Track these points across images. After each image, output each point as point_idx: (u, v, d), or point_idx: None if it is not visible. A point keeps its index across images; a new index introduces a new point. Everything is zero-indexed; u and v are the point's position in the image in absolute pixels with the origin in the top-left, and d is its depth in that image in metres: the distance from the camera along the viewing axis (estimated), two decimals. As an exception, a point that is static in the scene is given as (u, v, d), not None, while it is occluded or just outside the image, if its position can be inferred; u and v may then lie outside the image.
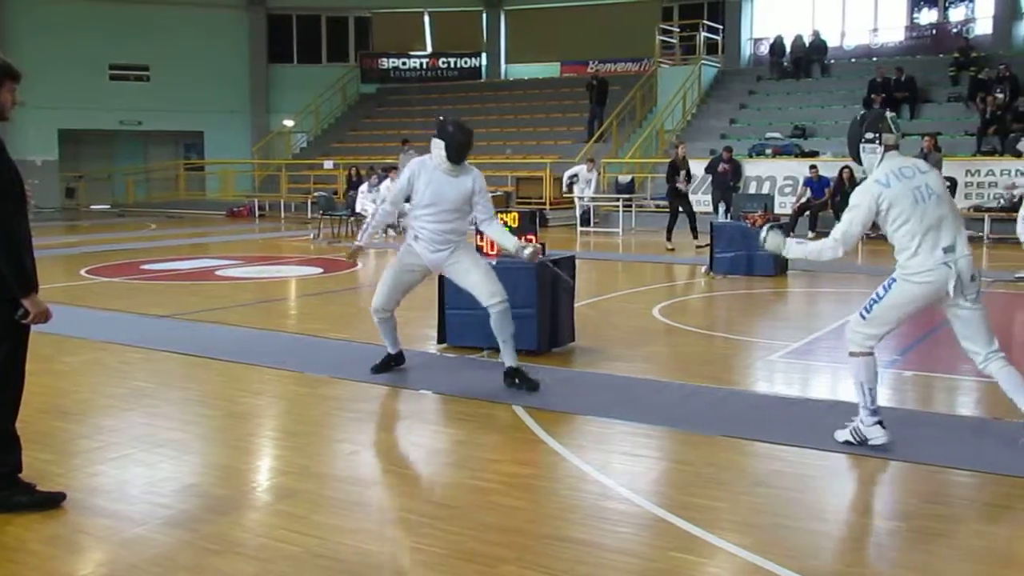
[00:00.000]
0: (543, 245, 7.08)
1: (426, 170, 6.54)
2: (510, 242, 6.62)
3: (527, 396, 6.26)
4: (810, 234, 18.10)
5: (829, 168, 19.03)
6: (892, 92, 22.57)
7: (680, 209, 16.63)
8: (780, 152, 21.24)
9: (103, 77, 30.99)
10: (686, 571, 3.64)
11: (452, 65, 33.31)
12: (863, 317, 5.11)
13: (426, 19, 33.90)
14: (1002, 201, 17.58)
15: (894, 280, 5.04)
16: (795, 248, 5.47)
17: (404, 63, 33.51)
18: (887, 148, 5.05)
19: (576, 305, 8.29)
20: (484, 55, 33.18)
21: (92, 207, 30.37)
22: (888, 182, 4.96)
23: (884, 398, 6.47)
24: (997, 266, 14.02)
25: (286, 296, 11.82)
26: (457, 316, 7.76)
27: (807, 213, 18.52)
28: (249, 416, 6.07)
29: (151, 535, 4.02)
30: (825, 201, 18.49)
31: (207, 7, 31.67)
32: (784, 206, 18.55)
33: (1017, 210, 17.32)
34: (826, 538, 3.98)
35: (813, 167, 19.03)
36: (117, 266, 14.26)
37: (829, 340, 8.54)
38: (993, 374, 5.11)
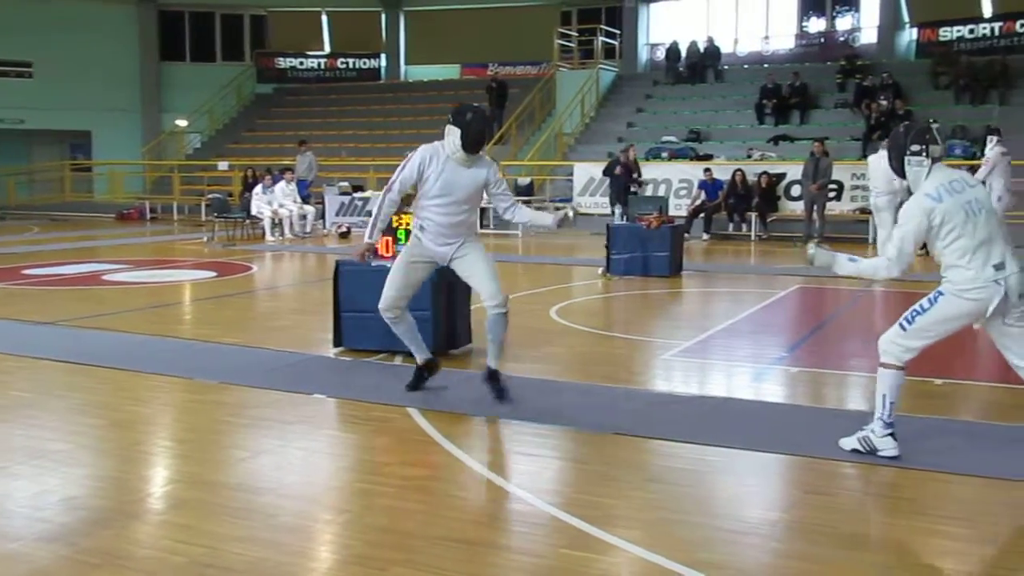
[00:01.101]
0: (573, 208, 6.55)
1: (438, 159, 6.07)
2: (548, 219, 6.19)
3: (428, 399, 6.21)
4: (705, 236, 18.52)
5: (722, 171, 19.46)
6: (783, 98, 23.22)
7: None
8: (675, 155, 21.62)
9: (-19, 73, 29.79)
10: (578, 568, 3.65)
11: (351, 66, 32.98)
12: (903, 328, 4.94)
13: (324, 19, 33.50)
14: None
15: (941, 293, 4.87)
16: (848, 266, 5.18)
17: (301, 63, 33.04)
18: (934, 160, 4.90)
19: (474, 307, 8.28)
20: (383, 56, 32.95)
21: (-30, 209, 29.14)
22: (940, 196, 4.78)
23: (772, 393, 6.67)
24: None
25: (177, 301, 11.53)
26: (353, 319, 7.67)
27: (702, 215, 18.91)
28: (135, 424, 5.88)
29: (26, 550, 3.85)
30: (719, 203, 18.90)
31: (95, 2, 30.68)
32: (679, 208, 18.88)
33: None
34: (715, 531, 4.05)
35: (707, 170, 19.44)
36: (-2, 271, 13.70)
37: (722, 338, 8.73)
38: None
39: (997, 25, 24.02)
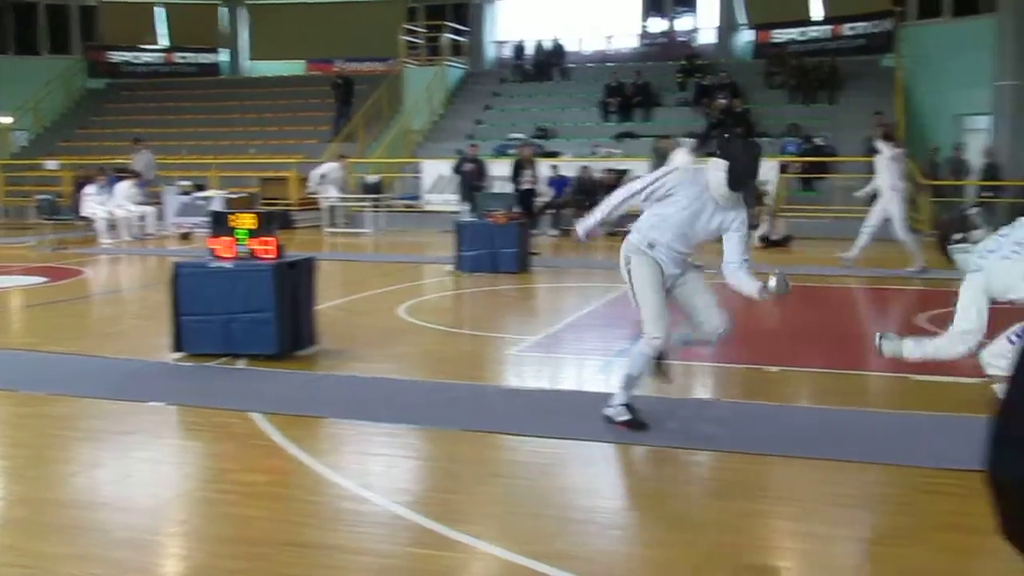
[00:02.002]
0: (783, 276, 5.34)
1: (696, 187, 5.18)
2: (754, 287, 5.29)
3: (271, 402, 6.07)
4: (552, 232, 18.78)
5: (569, 168, 19.79)
6: (627, 96, 23.79)
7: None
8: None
9: None
10: (425, 566, 3.65)
11: (190, 60, 31.90)
12: (1012, 343, 4.91)
13: (159, 11, 32.28)
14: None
15: None
16: (914, 349, 5.10)
17: (136, 57, 31.73)
18: (975, 243, 4.92)
19: (320, 307, 8.16)
20: (225, 51, 32.02)
21: None
22: (982, 263, 4.75)
23: (616, 386, 6.80)
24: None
25: (2, 308, 10.90)
26: (192, 322, 7.42)
27: (549, 211, 19.17)
28: (-46, 439, 5.54)
29: None
30: (567, 199, 19.20)
31: (-93, -9, 28.70)
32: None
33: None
34: (558, 522, 4.11)
35: (554, 167, 19.72)
36: None
37: (570, 332, 8.88)
38: None
39: (827, 28, 25.25)
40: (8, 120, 29.39)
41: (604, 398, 6.23)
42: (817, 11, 26.07)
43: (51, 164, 24.73)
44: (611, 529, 4.06)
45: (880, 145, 12.75)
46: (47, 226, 18.31)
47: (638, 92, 23.88)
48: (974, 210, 5.15)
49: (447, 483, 4.60)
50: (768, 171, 19.16)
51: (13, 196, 24.66)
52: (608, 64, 27.57)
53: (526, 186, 16.33)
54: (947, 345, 4.87)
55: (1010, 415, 1.27)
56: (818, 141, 20.26)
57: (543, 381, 7.05)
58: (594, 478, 4.78)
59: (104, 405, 6.17)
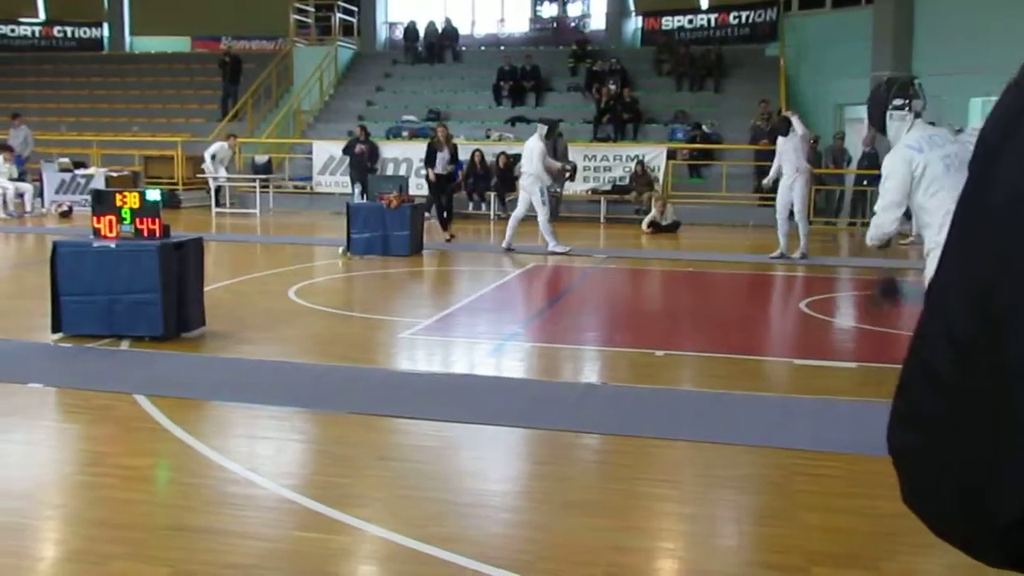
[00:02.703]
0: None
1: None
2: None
3: (156, 384, 5.94)
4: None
5: (462, 151, 19.75)
6: (519, 80, 23.88)
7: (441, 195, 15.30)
8: (416, 135, 21.74)
9: None
10: (312, 549, 3.63)
11: (69, 35, 30.65)
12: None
13: (38, -18, 30.94)
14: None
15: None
16: (870, 236, 5.10)
17: (13, 30, 30.34)
18: (916, 115, 4.94)
19: (209, 288, 8.01)
20: (106, 25, 30.90)
21: None
22: (920, 147, 4.83)
23: (508, 368, 6.89)
24: (613, 244, 15.37)
25: None
26: (73, 302, 7.19)
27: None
28: None
29: None
30: (459, 183, 19.20)
31: None
32: (421, 187, 19.01)
33: (626, 192, 19.04)
34: (447, 505, 4.14)
35: (447, 150, 19.67)
36: None
37: (461, 316, 8.92)
38: None
39: (713, 17, 25.76)
40: None
41: (495, 382, 6.31)
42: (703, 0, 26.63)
43: (-81, 138, 23.49)
44: (500, 512, 4.11)
45: (796, 123, 12.71)
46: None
47: (530, 76, 23.99)
48: (918, 80, 5.16)
49: (336, 467, 4.58)
50: (657, 157, 19.59)
51: None
52: (500, 48, 27.61)
53: (441, 170, 15.65)
54: (878, 222, 4.96)
55: (900, 387, 1.39)
56: (705, 128, 20.72)
57: (434, 365, 7.07)
58: (484, 461, 4.83)
59: (-25, 388, 5.95)
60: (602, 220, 18.88)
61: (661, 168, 19.49)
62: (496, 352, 7.33)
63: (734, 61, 23.64)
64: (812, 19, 23.51)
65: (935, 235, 4.74)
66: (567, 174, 15.22)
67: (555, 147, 18.35)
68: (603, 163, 20.02)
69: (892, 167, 4.87)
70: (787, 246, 12.86)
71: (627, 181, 19.34)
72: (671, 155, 19.97)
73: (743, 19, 25.00)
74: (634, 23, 27.35)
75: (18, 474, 4.53)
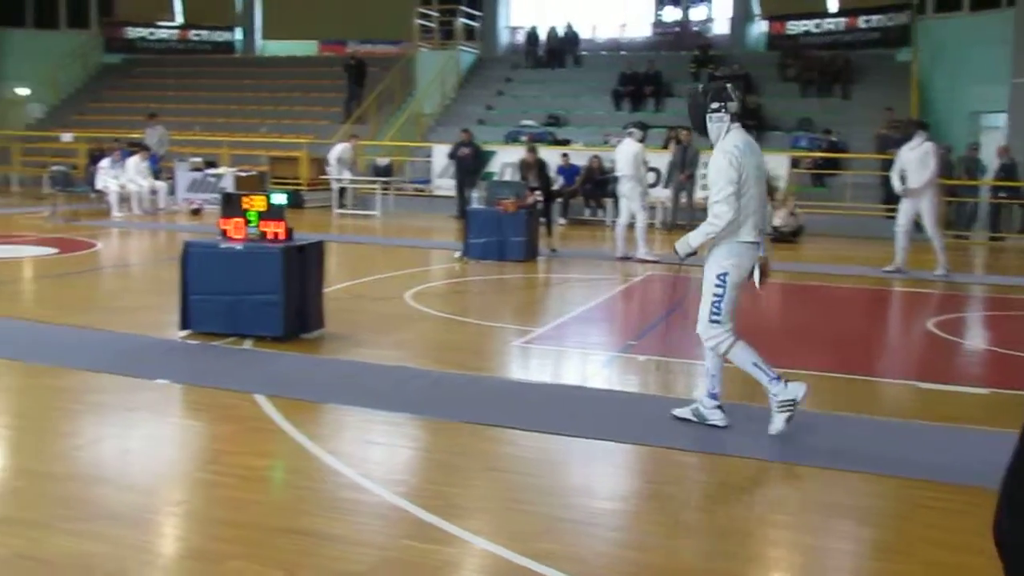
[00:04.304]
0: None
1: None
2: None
3: (275, 385, 6.10)
4: (561, 220, 18.76)
5: (580, 156, 19.75)
6: (639, 85, 23.72)
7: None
8: (534, 139, 21.81)
9: None
10: (418, 559, 3.67)
11: (204, 38, 31.88)
12: (715, 322, 5.34)
13: (176, -13, 32.26)
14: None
15: (726, 272, 5.26)
16: (697, 236, 5.36)
17: (152, 33, 31.74)
18: (733, 117, 5.24)
19: (327, 290, 8.19)
20: (239, 29, 31.98)
21: None
22: (743, 149, 5.16)
23: (621, 382, 6.83)
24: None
25: (13, 279, 10.95)
26: (200, 302, 7.46)
27: (559, 200, 19.13)
28: (-40, 412, 5.59)
29: None
30: (575, 188, 19.18)
31: (-75, -41, 28.72)
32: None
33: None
34: (555, 520, 4.12)
35: (565, 155, 19.69)
36: None
37: (574, 325, 8.89)
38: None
39: (842, 21, 25.08)
40: (26, 92, 29.49)
41: (607, 395, 6.26)
42: (832, 3, 25.93)
43: (66, 136, 24.77)
44: (607, 530, 4.07)
45: (924, 136, 12.13)
46: (60, 197, 18.38)
47: (650, 82, 23.80)
48: (730, 84, 5.41)
49: (446, 475, 4.62)
50: (778, 166, 19.16)
51: (29, 167, 24.74)
52: (621, 52, 27.48)
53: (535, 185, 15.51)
54: (715, 219, 5.19)
55: (1014, 472, 1.27)
56: (832, 136, 20.17)
57: (546, 375, 7.07)
58: (593, 477, 4.79)
59: (110, 379, 6.22)
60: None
61: (783, 177, 19.04)
62: (609, 364, 7.28)
63: (863, 66, 22.98)
64: (948, 22, 22.65)
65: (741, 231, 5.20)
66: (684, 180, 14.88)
67: (684, 154, 18.13)
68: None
69: (719, 165, 5.17)
70: (904, 261, 12.40)
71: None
72: (794, 163, 19.52)
73: (873, 22, 24.29)
74: (758, 27, 26.86)
75: (143, 469, 4.71)
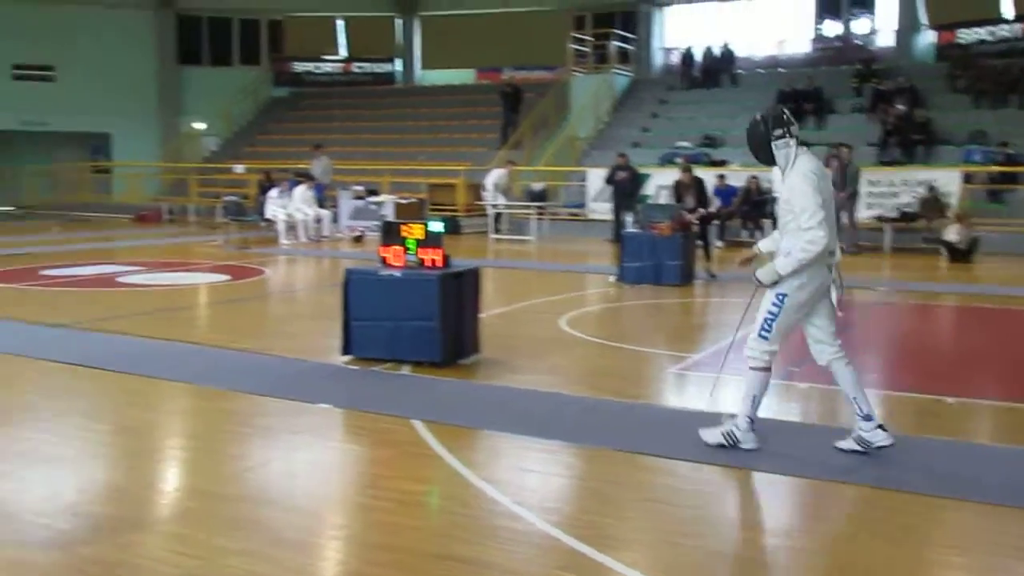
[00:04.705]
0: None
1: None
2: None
3: (432, 410, 6.19)
4: (718, 243, 18.43)
5: (737, 177, 19.39)
6: (800, 102, 23.11)
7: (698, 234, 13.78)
8: (690, 161, 21.54)
9: (5, 77, 30.01)
10: (574, 589, 3.64)
11: (366, 70, 33.08)
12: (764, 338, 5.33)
13: (339, 24, 33.60)
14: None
15: (784, 294, 5.23)
16: (784, 263, 5.22)
17: (317, 67, 33.18)
18: (798, 141, 5.22)
19: (483, 315, 8.27)
20: (398, 61, 33.01)
21: (-8, 209, 29.40)
22: (818, 172, 5.16)
23: (781, 411, 6.61)
24: (898, 275, 14.48)
25: (189, 305, 11.57)
26: (361, 327, 7.67)
27: (715, 222, 18.82)
28: (139, 431, 5.91)
29: (28, 557, 3.88)
30: (732, 210, 18.82)
31: (115, 7, 30.91)
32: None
33: (913, 219, 17.89)
34: (713, 555, 4.01)
35: (721, 176, 19.37)
36: (15, 271, 13.79)
37: (734, 351, 8.65)
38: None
39: (1018, 27, 23.80)
40: (202, 126, 31.31)
41: (769, 425, 6.06)
42: (1008, 9, 24.63)
43: (238, 168, 26.13)
44: (767, 567, 3.93)
45: None
46: (233, 226, 19.35)
47: (811, 98, 23.16)
48: (781, 107, 5.39)
49: (601, 506, 4.56)
50: (949, 182, 18.27)
51: (204, 197, 26.17)
52: (780, 70, 26.91)
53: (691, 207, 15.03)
54: (809, 245, 5.05)
55: None
56: (1009, 149, 19.11)
57: (703, 402, 6.91)
58: (754, 510, 4.65)
59: (276, 403, 6.45)
60: (886, 250, 17.85)
61: (955, 193, 18.17)
62: (769, 392, 7.04)
63: (1042, 76, 21.70)
64: None
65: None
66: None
67: (844, 171, 17.55)
68: (889, 188, 18.95)
69: (802, 190, 5.10)
70: None
71: (915, 208, 18.18)
72: (967, 178, 18.58)
73: (1054, 29, 22.97)
74: (926, 37, 25.78)
75: (306, 492, 4.85)
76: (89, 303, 11.12)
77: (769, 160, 5.29)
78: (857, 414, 5.27)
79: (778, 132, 5.19)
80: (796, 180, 5.14)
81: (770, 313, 5.27)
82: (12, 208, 29.50)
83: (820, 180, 5.14)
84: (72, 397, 6.69)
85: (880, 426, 5.23)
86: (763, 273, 5.29)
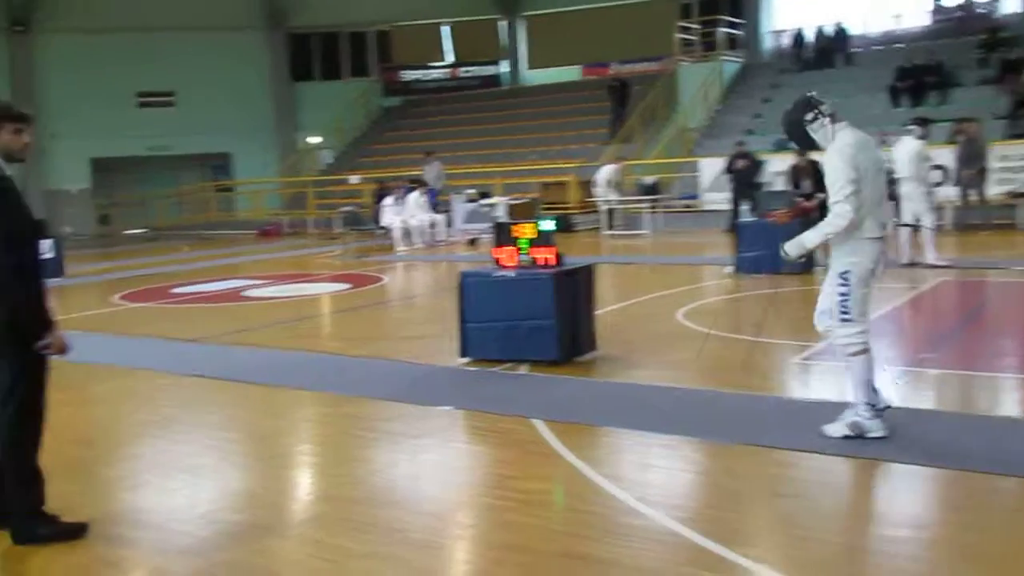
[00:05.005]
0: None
1: None
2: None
3: (552, 409, 6.20)
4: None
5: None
6: (920, 78, 22.28)
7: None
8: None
9: (131, 105, 31.41)
10: (701, 586, 3.59)
11: (473, 74, 33.37)
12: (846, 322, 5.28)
13: (445, 30, 34.00)
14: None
15: (848, 271, 5.23)
16: (811, 236, 5.36)
17: (425, 75, 33.65)
18: (833, 119, 5.23)
19: (599, 312, 8.25)
20: (504, 62, 33.19)
21: (126, 232, 30.75)
22: (857, 146, 5.15)
23: (915, 399, 6.39)
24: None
25: (312, 314, 11.89)
26: (477, 329, 7.74)
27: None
28: (269, 439, 6.10)
29: (169, 564, 4.05)
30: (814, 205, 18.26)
31: (229, 31, 31.98)
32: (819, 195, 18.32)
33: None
34: (845, 549, 3.90)
35: (838, 159, 18.79)
36: (148, 291, 14.41)
37: (856, 337, 8.41)
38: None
39: None
40: (317, 140, 32.16)
41: (901, 414, 5.87)
42: None
43: (353, 178, 26.73)
44: (902, 560, 3.80)
45: None
46: (351, 235, 19.80)
47: (932, 73, 22.28)
48: (812, 93, 5.40)
49: (726, 501, 4.50)
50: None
51: (322, 209, 26.85)
52: (897, 45, 26.00)
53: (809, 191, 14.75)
54: (836, 219, 5.09)
55: None
56: None
57: (830, 393, 6.73)
58: (887, 502, 4.49)
59: (399, 407, 6.57)
60: (1021, 226, 17.04)
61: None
62: (902, 379, 6.83)
63: None
64: None
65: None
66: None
67: (971, 148, 16.82)
68: (1021, 163, 18.08)
69: (836, 164, 5.11)
70: None
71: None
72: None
73: None
74: (1055, 3, 24.54)
75: (431, 494, 4.93)
76: (218, 317, 11.54)
77: (810, 145, 5.34)
78: (865, 400, 5.23)
79: (809, 116, 5.23)
80: (831, 155, 5.17)
81: (842, 295, 5.24)
82: (143, 230, 30.86)
83: (859, 152, 5.11)
84: (208, 408, 6.96)
85: (880, 414, 5.23)
86: (791, 245, 5.46)
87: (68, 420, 6.35)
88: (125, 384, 7.83)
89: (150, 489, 5.08)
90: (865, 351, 5.21)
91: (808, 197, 13.25)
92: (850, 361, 5.26)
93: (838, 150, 5.14)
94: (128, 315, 12.14)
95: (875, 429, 5.15)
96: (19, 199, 4.24)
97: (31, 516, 4.32)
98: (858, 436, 5.14)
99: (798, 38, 26.49)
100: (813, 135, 5.27)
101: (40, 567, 4.07)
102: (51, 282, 5.07)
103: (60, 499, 4.57)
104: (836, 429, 5.23)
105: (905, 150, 12.54)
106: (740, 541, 3.97)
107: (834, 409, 5.62)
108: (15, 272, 4.12)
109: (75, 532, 4.37)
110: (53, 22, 30.09)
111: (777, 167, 19.58)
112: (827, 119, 5.23)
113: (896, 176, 12.81)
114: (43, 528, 4.32)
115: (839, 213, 5.07)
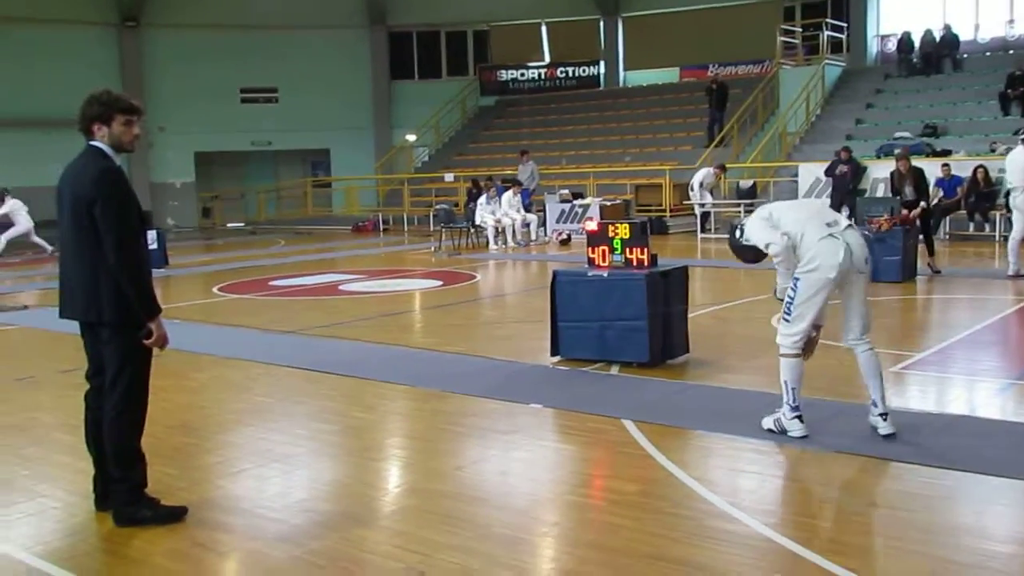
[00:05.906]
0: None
1: None
2: None
3: (642, 410, 6.17)
4: (942, 237, 17.42)
5: (962, 167, 18.24)
6: (1031, 85, 21.53)
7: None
8: (910, 152, 20.45)
9: (235, 101, 32.23)
10: (792, 594, 3.53)
11: (570, 74, 33.34)
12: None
13: (543, 30, 34.04)
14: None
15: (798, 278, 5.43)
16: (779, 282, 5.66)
17: (522, 74, 33.74)
18: None
19: (693, 315, 8.16)
20: (602, 63, 33.08)
21: (227, 225, 31.58)
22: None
23: (1017, 412, 6.17)
24: None
25: (405, 310, 12.03)
26: (570, 329, 7.74)
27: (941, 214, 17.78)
28: (360, 431, 6.20)
29: (263, 550, 4.14)
30: (957, 201, 17.74)
31: (331, 28, 32.58)
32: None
33: None
34: (941, 563, 3.78)
35: (945, 166, 18.27)
36: (247, 283, 14.77)
37: (960, 350, 8.18)
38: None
39: None
40: (412, 138, 32.54)
41: (1001, 427, 5.69)
42: None
43: (448, 177, 26.97)
44: (1000, 575, 3.68)
45: None
46: (444, 233, 19.98)
47: (1046, 81, 21.48)
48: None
49: (820, 508, 4.41)
50: None
51: (417, 206, 27.16)
52: (1009, 52, 25.11)
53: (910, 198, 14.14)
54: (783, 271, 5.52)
55: None
56: None
57: (929, 403, 6.55)
58: (986, 516, 4.34)
59: (488, 403, 6.60)
60: None
61: None
62: (1002, 393, 6.61)
63: None
64: None
65: None
66: None
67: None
68: None
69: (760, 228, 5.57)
70: None
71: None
72: None
73: None
74: None
75: (518, 490, 4.94)
76: (314, 310, 11.76)
77: None
78: (872, 400, 5.37)
79: None
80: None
81: (790, 297, 5.41)
82: (244, 224, 31.65)
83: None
84: (301, 399, 7.10)
85: (883, 415, 5.33)
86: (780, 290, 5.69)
87: (169, 406, 6.56)
88: (222, 373, 8.04)
89: (246, 476, 5.20)
90: (796, 356, 5.41)
91: (911, 205, 12.90)
92: (781, 361, 5.45)
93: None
94: (227, 306, 12.47)
95: (794, 429, 5.38)
96: (129, 189, 4.39)
97: (134, 498, 4.46)
98: (780, 432, 5.42)
99: (905, 42, 25.80)
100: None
101: (141, 548, 4.20)
102: (156, 272, 5.24)
103: (160, 483, 4.73)
104: (767, 422, 5.56)
105: (1016, 159, 12.12)
106: (835, 550, 3.88)
107: (928, 420, 5.46)
108: (124, 261, 4.26)
109: (175, 516, 4.50)
110: (163, 17, 31.09)
111: (878, 174, 19.14)
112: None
113: (1008, 186, 12.40)
114: (145, 511, 4.46)
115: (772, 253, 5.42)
